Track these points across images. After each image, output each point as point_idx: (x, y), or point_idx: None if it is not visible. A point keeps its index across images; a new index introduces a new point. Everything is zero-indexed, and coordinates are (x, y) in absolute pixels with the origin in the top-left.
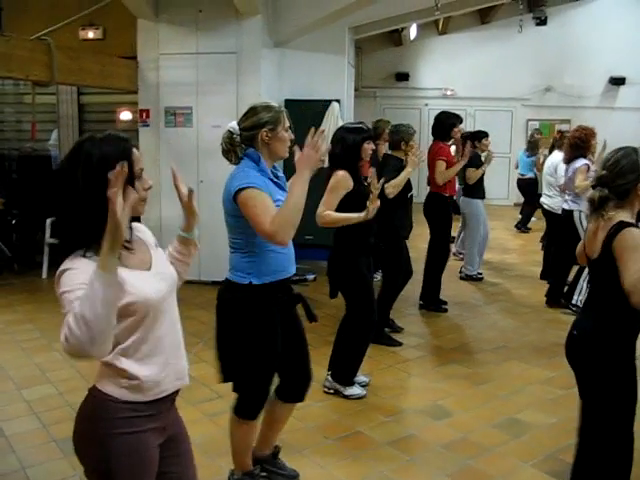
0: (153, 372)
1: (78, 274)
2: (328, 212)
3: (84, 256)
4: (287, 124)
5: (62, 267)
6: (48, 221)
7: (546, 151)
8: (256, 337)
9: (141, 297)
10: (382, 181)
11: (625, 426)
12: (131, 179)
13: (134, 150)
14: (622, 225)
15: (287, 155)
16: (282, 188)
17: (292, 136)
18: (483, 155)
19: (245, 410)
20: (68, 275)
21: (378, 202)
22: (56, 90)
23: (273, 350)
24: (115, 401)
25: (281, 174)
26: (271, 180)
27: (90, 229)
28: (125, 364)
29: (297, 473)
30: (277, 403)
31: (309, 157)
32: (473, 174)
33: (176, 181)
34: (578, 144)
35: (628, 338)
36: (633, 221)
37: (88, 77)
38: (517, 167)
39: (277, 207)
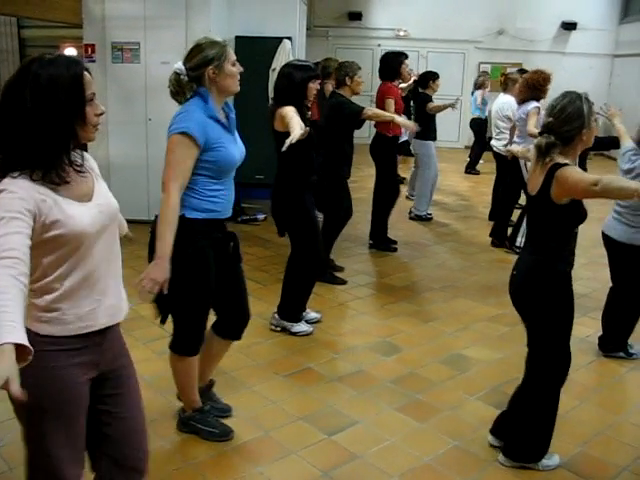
0: (76, 306)
1: (15, 199)
2: None
3: (31, 179)
4: (234, 57)
5: None
6: None
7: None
8: (188, 271)
9: (76, 229)
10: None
11: (564, 349)
12: (82, 104)
13: (85, 73)
14: (558, 165)
15: (238, 89)
16: (229, 131)
17: (241, 69)
18: (435, 97)
19: (181, 346)
20: (3, 198)
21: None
22: None
23: (205, 285)
24: (35, 334)
25: (233, 115)
26: (218, 122)
27: (35, 150)
28: (47, 297)
29: (230, 408)
30: (214, 338)
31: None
32: (433, 106)
33: None
34: (535, 86)
35: (563, 270)
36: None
37: (28, 8)
38: None
39: (217, 149)
